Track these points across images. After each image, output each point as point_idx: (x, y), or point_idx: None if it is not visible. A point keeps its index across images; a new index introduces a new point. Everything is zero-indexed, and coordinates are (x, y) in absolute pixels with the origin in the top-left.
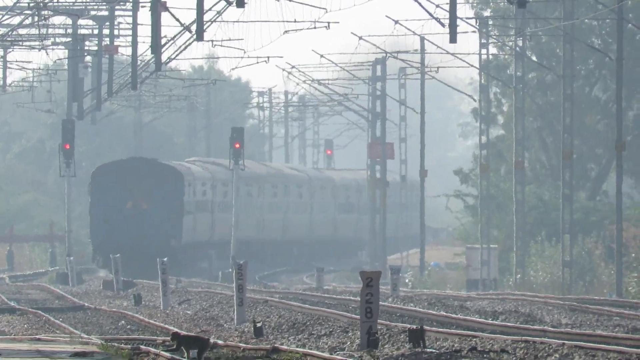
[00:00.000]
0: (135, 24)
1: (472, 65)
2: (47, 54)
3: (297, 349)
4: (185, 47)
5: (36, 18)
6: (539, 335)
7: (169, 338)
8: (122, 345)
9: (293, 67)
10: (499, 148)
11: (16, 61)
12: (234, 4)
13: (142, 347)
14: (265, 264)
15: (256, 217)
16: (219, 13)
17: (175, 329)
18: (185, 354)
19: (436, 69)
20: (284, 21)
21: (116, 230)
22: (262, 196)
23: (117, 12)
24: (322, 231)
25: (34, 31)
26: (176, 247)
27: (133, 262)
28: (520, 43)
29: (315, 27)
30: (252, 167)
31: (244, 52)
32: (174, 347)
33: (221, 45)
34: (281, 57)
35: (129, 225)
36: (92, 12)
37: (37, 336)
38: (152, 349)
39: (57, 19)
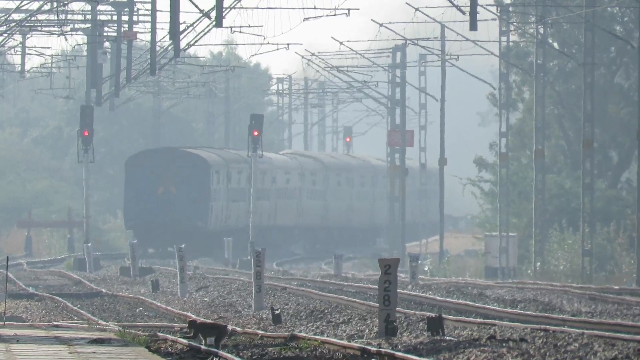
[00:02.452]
0: (154, 10)
1: (492, 53)
2: (66, 40)
3: (315, 336)
4: (205, 34)
5: (55, 4)
6: (558, 324)
7: (186, 325)
8: (140, 332)
9: (313, 54)
10: (519, 136)
11: (35, 47)
12: None
13: (160, 334)
14: (353, 249)
15: (346, 205)
16: None
17: (193, 317)
18: (203, 341)
19: (456, 56)
20: (303, 8)
21: (148, 213)
22: (351, 185)
23: None
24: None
25: (52, 17)
26: (203, 229)
27: (164, 243)
28: (541, 30)
29: (335, 14)
30: (341, 158)
31: (264, 38)
32: (191, 335)
33: (240, 32)
34: (301, 44)
35: (159, 209)
36: None
37: (54, 322)
38: (170, 336)
39: (76, 5)
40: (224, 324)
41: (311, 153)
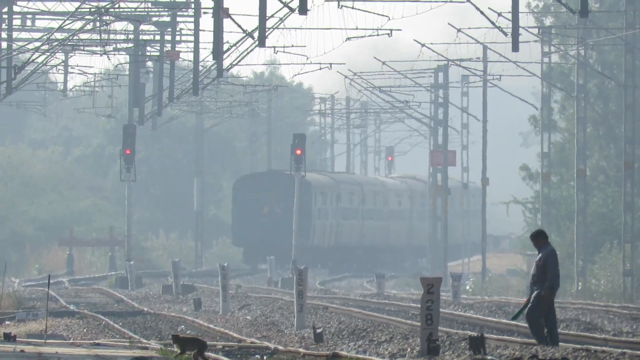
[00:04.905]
0: (197, 30)
1: (534, 74)
2: (109, 59)
3: (357, 355)
4: (247, 54)
5: (98, 23)
6: (600, 344)
7: (229, 343)
8: None
9: (355, 74)
10: (560, 156)
11: (77, 66)
12: (297, 11)
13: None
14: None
15: (461, 225)
16: (281, 20)
17: (232, 333)
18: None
19: (498, 77)
20: (346, 28)
21: (255, 232)
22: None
23: (179, 18)
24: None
25: (95, 36)
26: (304, 245)
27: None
28: (582, 52)
29: (377, 35)
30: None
31: (307, 58)
32: (179, 350)
33: (283, 52)
34: (343, 63)
35: (265, 227)
36: (154, 18)
37: (96, 340)
38: (212, 354)
39: (119, 25)
40: (203, 339)
41: (420, 175)
